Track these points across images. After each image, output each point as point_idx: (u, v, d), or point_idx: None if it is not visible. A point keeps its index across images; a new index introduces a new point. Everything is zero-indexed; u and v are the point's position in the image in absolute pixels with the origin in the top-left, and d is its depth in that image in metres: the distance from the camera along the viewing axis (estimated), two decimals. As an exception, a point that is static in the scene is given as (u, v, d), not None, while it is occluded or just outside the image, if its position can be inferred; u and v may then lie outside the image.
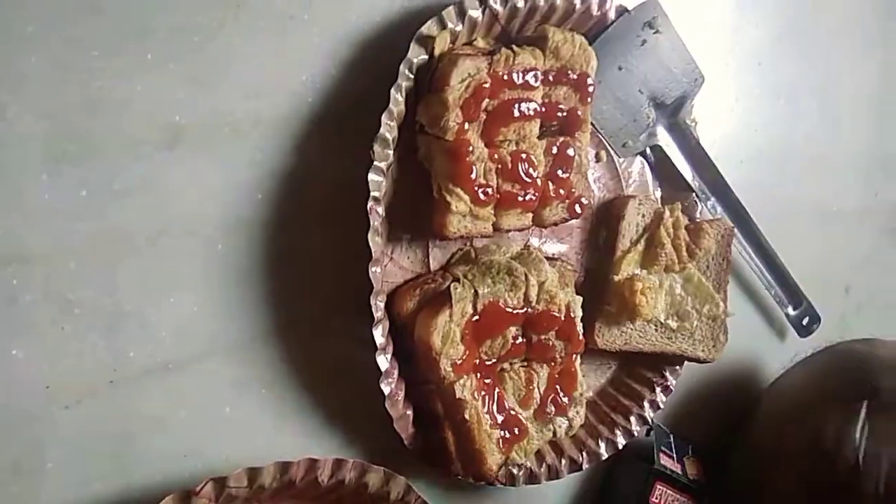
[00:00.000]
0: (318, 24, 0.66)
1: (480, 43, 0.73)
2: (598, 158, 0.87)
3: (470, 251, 0.77)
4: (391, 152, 0.67)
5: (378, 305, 0.66)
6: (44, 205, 0.57)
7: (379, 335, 0.67)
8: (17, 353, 0.56)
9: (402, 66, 0.66)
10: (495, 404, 0.74)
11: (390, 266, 0.72)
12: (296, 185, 0.66)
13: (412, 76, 0.68)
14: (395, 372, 0.70)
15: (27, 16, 0.54)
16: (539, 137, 0.75)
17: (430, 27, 0.68)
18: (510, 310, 0.74)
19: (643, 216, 0.83)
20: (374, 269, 0.65)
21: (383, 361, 0.68)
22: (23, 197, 0.56)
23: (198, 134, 0.61)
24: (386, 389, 0.68)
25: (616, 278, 0.85)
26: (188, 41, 0.60)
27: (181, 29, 0.60)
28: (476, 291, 0.72)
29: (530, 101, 0.73)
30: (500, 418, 0.74)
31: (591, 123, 0.80)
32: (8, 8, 0.53)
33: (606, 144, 0.86)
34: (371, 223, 0.64)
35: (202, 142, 0.61)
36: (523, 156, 0.74)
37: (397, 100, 0.66)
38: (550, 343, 0.78)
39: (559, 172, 0.77)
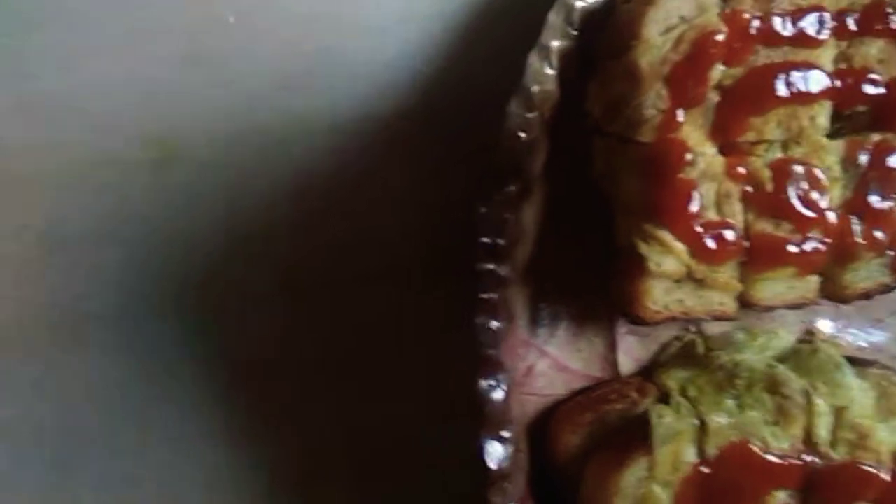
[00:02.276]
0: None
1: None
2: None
3: (695, 342, 0.44)
4: (530, 164, 0.37)
5: (497, 451, 0.35)
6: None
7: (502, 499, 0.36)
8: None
9: (551, 15, 0.37)
10: None
11: (544, 367, 0.41)
12: (365, 228, 0.39)
13: (574, 32, 0.38)
14: None
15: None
16: (830, 136, 0.41)
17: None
18: (776, 459, 0.39)
19: None
20: (487, 383, 0.35)
21: None
22: None
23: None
24: None
25: None
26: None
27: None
28: (703, 422, 0.39)
29: (811, 66, 0.39)
30: None
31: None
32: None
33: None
34: (484, 294, 0.35)
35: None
36: (799, 169, 0.39)
37: (543, 74, 0.37)
38: (862, 525, 0.41)
39: (874, 199, 0.41)
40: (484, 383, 0.34)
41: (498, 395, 0.35)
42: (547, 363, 0.42)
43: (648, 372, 0.43)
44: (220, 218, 0.38)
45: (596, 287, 0.42)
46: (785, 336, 0.44)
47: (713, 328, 0.44)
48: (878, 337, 0.48)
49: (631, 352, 0.44)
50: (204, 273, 0.39)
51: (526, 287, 0.41)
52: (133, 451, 0.39)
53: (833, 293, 0.43)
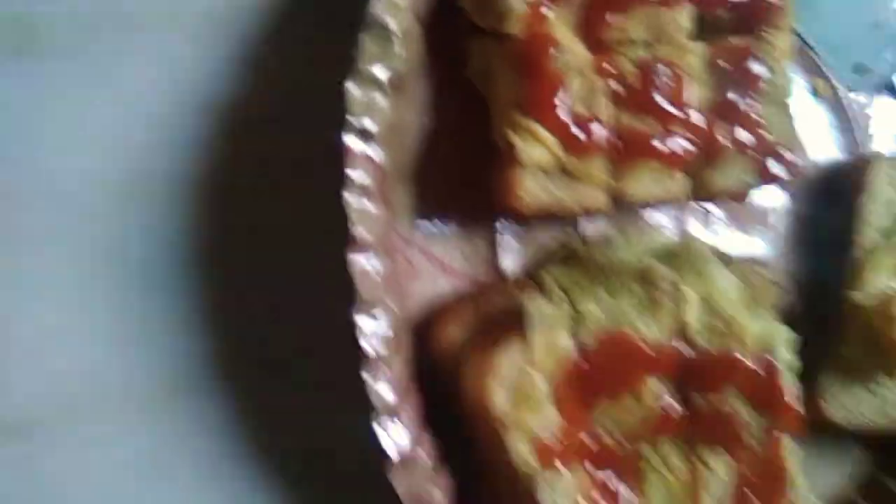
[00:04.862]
0: None
1: None
2: (814, 91, 0.51)
3: (574, 244, 0.44)
4: (400, 53, 0.37)
5: (373, 333, 0.35)
6: None
7: (382, 388, 0.36)
8: None
9: None
10: (625, 524, 0.40)
11: (426, 265, 0.42)
12: (232, 119, 0.38)
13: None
14: (423, 455, 0.38)
15: None
16: (695, 39, 0.43)
17: None
18: (647, 348, 0.40)
19: (902, 188, 0.49)
20: (361, 259, 0.35)
21: (395, 437, 0.36)
22: None
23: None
24: (401, 489, 0.37)
25: (857, 298, 0.47)
26: None
27: None
28: (577, 311, 0.39)
29: (672, -30, 0.41)
30: (633, 551, 0.40)
31: (795, 30, 0.45)
32: None
33: (824, 69, 0.50)
34: (347, 176, 0.35)
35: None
36: (663, 68, 0.41)
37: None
38: (732, 411, 0.42)
39: (736, 100, 0.43)
40: (353, 258, 0.34)
41: (367, 269, 0.34)
42: (429, 262, 0.42)
43: (529, 273, 0.44)
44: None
45: (478, 188, 0.42)
46: (659, 237, 0.45)
47: (592, 232, 0.45)
48: (750, 244, 0.50)
49: (513, 254, 0.44)
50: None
51: (407, 185, 0.41)
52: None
53: (701, 192, 0.44)
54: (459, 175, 0.42)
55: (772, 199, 0.50)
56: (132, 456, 0.38)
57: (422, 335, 0.41)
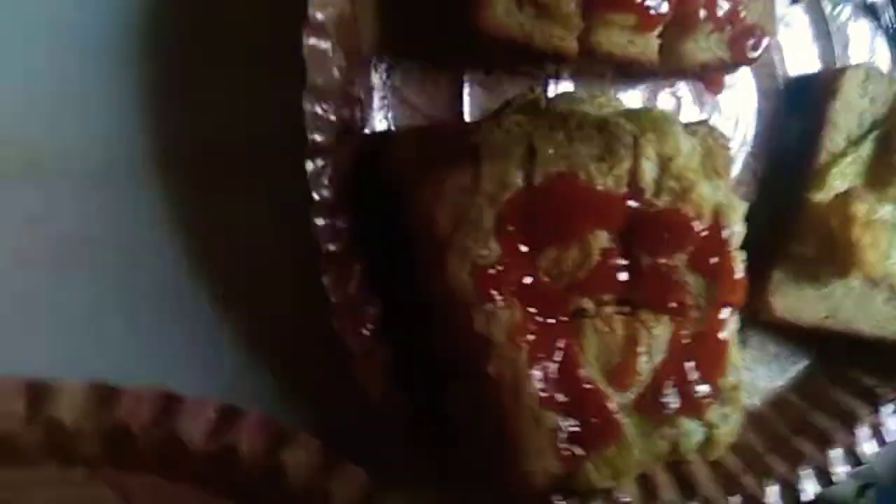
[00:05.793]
0: None
1: None
2: (793, -2, 0.51)
3: (538, 99, 0.44)
4: None
5: (321, 121, 0.34)
6: None
7: (323, 182, 0.35)
8: None
9: None
10: (558, 368, 0.39)
11: (386, 94, 0.41)
12: None
13: None
14: (355, 265, 0.37)
15: None
16: None
17: None
18: (600, 195, 0.39)
19: (871, 100, 0.50)
20: (315, 41, 0.34)
21: (330, 236, 0.36)
22: None
23: None
24: (335, 296, 0.36)
25: (817, 198, 0.47)
26: None
27: None
28: (532, 147, 0.39)
29: None
30: (562, 394, 0.39)
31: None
32: None
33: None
34: None
35: None
36: (645, -77, 0.41)
37: None
38: (678, 276, 0.41)
39: (715, -28, 0.43)
40: (308, 40, 0.33)
41: (321, 51, 0.34)
42: (389, 93, 0.42)
43: (491, 118, 0.44)
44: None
45: (447, 31, 0.42)
46: (625, 103, 0.45)
47: (557, 87, 0.45)
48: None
49: (477, 102, 0.44)
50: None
51: (374, 12, 0.41)
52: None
53: (672, 60, 0.44)
54: (429, 10, 0.42)
55: (744, 97, 0.50)
56: (58, 230, 0.37)
57: (376, 160, 0.40)
